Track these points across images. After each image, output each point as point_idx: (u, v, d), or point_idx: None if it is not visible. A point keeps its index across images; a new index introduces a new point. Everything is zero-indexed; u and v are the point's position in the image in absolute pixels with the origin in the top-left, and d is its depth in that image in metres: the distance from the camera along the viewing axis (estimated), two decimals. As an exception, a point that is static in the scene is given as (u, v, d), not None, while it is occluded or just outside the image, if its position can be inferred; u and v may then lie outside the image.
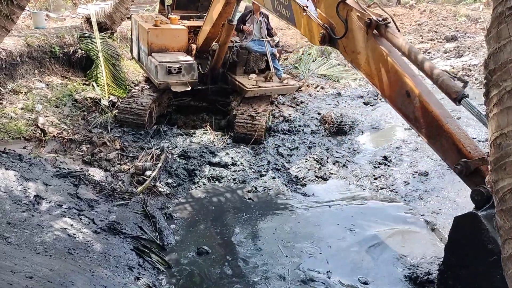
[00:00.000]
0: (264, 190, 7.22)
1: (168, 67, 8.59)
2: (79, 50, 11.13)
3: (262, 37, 9.54)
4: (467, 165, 3.78)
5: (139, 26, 9.55)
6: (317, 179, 7.63)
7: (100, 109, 9.39)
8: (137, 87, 9.69)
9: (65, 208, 5.66)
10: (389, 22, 4.36)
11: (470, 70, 12.87)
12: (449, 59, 14.25)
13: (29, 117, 8.09)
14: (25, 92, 8.89)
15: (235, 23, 8.51)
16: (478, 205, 3.64)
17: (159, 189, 6.88)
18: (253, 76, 9.58)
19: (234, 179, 7.46)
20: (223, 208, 6.71)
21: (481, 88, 11.20)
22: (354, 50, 4.76)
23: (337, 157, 8.35)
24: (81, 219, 5.56)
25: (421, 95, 4.09)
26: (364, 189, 7.35)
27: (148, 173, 7.13)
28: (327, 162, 8.16)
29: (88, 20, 12.22)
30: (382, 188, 7.36)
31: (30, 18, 12.70)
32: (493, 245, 3.23)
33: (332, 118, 9.72)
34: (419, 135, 4.32)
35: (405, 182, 7.52)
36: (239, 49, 9.60)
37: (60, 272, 4.18)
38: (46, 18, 13.18)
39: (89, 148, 7.69)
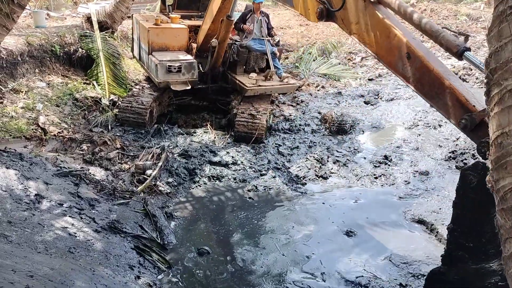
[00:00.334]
0: (265, 189, 7.22)
1: (168, 66, 8.59)
2: (80, 49, 11.13)
3: (262, 36, 9.53)
4: (472, 118, 3.70)
5: (140, 25, 9.56)
6: (317, 178, 7.63)
7: (100, 108, 9.39)
8: (137, 86, 9.69)
9: (66, 207, 5.67)
10: None
11: (471, 69, 12.85)
12: (450, 58, 14.20)
13: (30, 116, 8.09)
14: (25, 91, 8.89)
15: (233, 19, 8.50)
16: (485, 158, 3.56)
17: (160, 188, 6.89)
18: (253, 75, 9.57)
19: (234, 178, 7.46)
20: (223, 207, 6.72)
21: (482, 87, 11.19)
22: (352, 20, 4.77)
23: (338, 156, 8.34)
24: (81, 218, 5.56)
25: (421, 56, 4.07)
26: (364, 188, 7.35)
27: (148, 172, 7.13)
28: (328, 161, 8.16)
29: (88, 19, 12.21)
30: (382, 188, 7.35)
31: (30, 17, 12.70)
32: None
33: (332, 117, 9.72)
34: (422, 97, 4.24)
35: (406, 181, 7.51)
36: (240, 48, 9.59)
37: (60, 271, 4.18)
38: (46, 17, 13.16)
39: (89, 147, 7.69)
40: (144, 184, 6.83)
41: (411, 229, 6.26)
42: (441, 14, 20.48)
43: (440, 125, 9.58)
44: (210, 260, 5.48)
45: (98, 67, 10.67)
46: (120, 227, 5.66)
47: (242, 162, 7.90)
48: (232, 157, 7.99)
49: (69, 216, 5.47)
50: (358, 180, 7.58)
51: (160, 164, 7.35)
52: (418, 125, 9.79)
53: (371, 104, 11.31)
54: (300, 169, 7.84)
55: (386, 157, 8.26)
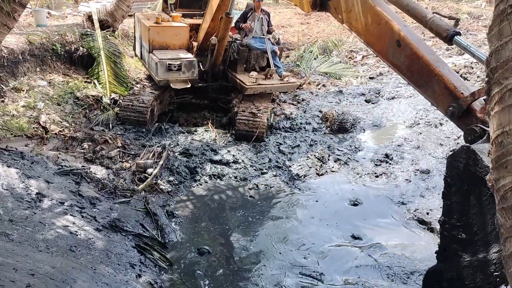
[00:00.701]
0: (266, 187, 7.23)
1: (168, 64, 8.59)
2: (81, 48, 11.12)
3: (263, 35, 9.52)
4: (459, 104, 3.70)
5: (141, 24, 9.58)
6: (318, 176, 7.63)
7: (101, 107, 9.39)
8: (138, 85, 9.70)
9: (67, 206, 5.68)
10: None
11: (472, 68, 12.84)
12: (451, 56, 14.22)
13: (31, 115, 8.10)
14: (27, 90, 8.90)
15: (232, 16, 8.50)
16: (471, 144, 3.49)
17: (161, 186, 6.89)
18: (253, 73, 9.57)
19: (235, 177, 7.47)
20: (224, 206, 6.72)
21: (483, 86, 11.18)
22: (345, 9, 4.81)
23: (339, 155, 8.34)
24: (82, 216, 5.57)
25: (411, 43, 4.06)
26: (365, 187, 7.35)
27: (149, 170, 7.14)
28: (329, 159, 8.16)
29: (89, 18, 12.21)
30: (383, 186, 7.35)
31: (31, 16, 12.71)
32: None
33: (333, 115, 9.71)
34: (412, 85, 4.24)
35: (407, 180, 7.51)
36: (240, 47, 9.59)
37: (62, 270, 4.19)
38: (47, 16, 13.18)
39: (90, 146, 7.70)
40: (145, 183, 6.84)
41: (411, 228, 6.26)
42: (442, 12, 20.43)
43: (441, 124, 9.57)
44: (211, 258, 5.49)
45: (99, 65, 10.67)
46: (121, 225, 5.67)
47: (243, 161, 7.90)
48: (233, 155, 7.99)
49: (70, 215, 5.48)
50: (359, 179, 7.58)
51: (161, 162, 7.36)
52: (419, 124, 9.78)
53: (372, 103, 11.30)
54: (301, 168, 7.84)
55: (387, 155, 8.26)
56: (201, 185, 7.23)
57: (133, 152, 7.82)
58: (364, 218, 6.47)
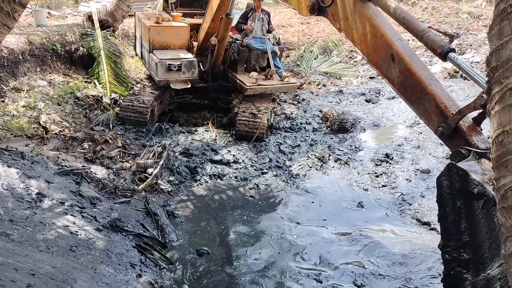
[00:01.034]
0: (266, 187, 7.23)
1: (168, 64, 8.58)
2: (81, 48, 11.12)
3: (263, 35, 9.51)
4: (448, 124, 3.69)
5: (142, 23, 9.57)
6: (319, 176, 7.63)
7: (102, 107, 9.39)
8: (139, 85, 9.70)
9: (67, 206, 5.68)
10: None
11: (473, 67, 12.82)
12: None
13: (31, 115, 8.10)
14: (27, 90, 8.90)
15: (232, 16, 8.50)
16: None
17: (161, 186, 6.89)
18: (254, 74, 9.57)
19: (235, 177, 7.47)
20: (224, 206, 6.72)
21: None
22: (342, 17, 4.80)
23: (339, 155, 8.34)
24: (83, 216, 5.57)
25: (405, 58, 4.03)
26: (365, 187, 7.35)
27: (150, 170, 7.14)
28: (329, 159, 8.16)
29: (89, 18, 12.21)
30: (383, 186, 7.35)
31: (31, 16, 12.70)
32: (479, 187, 3.03)
33: (333, 115, 9.71)
34: (404, 101, 4.20)
35: (407, 179, 7.51)
36: (240, 47, 9.59)
37: (62, 269, 4.20)
38: (47, 16, 13.17)
39: (91, 146, 7.70)
40: (145, 183, 6.84)
41: (411, 228, 6.26)
42: (443, 12, 20.43)
43: (441, 123, 9.56)
44: (211, 258, 5.49)
45: (99, 65, 10.66)
46: (122, 225, 5.67)
47: (243, 161, 7.90)
48: (233, 155, 7.99)
49: (71, 215, 5.48)
50: (359, 179, 7.57)
51: (161, 162, 7.36)
52: (419, 123, 9.77)
53: (372, 102, 11.30)
54: (302, 168, 7.84)
55: (387, 155, 8.26)
56: (201, 185, 7.23)
57: (133, 152, 7.82)
58: (364, 218, 6.47)
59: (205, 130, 9.06)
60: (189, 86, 8.88)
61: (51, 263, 4.28)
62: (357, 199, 6.97)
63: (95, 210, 5.86)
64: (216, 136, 8.81)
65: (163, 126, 8.91)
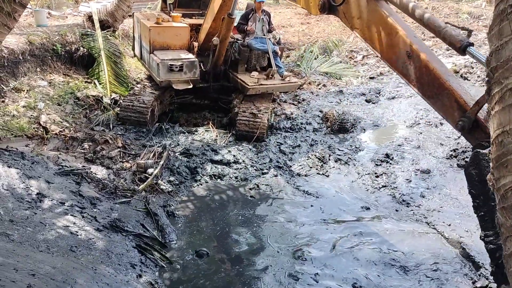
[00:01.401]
0: (266, 187, 7.22)
1: (170, 65, 8.57)
2: (81, 48, 11.13)
3: (264, 35, 9.53)
4: (468, 118, 3.69)
5: (141, 24, 9.55)
6: (319, 176, 7.63)
7: (102, 107, 9.39)
8: (139, 85, 9.70)
9: (68, 206, 5.68)
10: None
11: (472, 68, 12.82)
12: (451, 56, 14.21)
13: (31, 115, 8.10)
14: (27, 90, 8.90)
15: (234, 17, 8.50)
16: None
17: (161, 186, 6.89)
18: (255, 74, 9.58)
19: (236, 177, 7.47)
20: (225, 206, 6.72)
21: (483, 86, 11.17)
22: (354, 15, 4.77)
23: (339, 155, 8.34)
24: (83, 216, 5.57)
25: (422, 55, 4.06)
26: (366, 187, 7.35)
27: (150, 171, 7.14)
28: (329, 159, 8.16)
29: (90, 18, 12.21)
30: (384, 186, 7.35)
31: (32, 16, 12.70)
32: None
33: (334, 115, 9.71)
34: (421, 96, 4.25)
35: (407, 179, 7.51)
36: (241, 47, 9.59)
37: (62, 270, 4.20)
38: (48, 16, 13.17)
39: (91, 146, 7.70)
40: (145, 183, 6.84)
41: (412, 228, 6.25)
42: (443, 12, 20.44)
43: (441, 123, 9.57)
44: (211, 259, 5.48)
45: (100, 66, 10.67)
46: (122, 225, 5.67)
47: (243, 161, 7.90)
48: (234, 155, 7.99)
49: (71, 215, 5.48)
50: (359, 179, 7.58)
51: (161, 162, 7.36)
52: (419, 124, 9.78)
53: (373, 103, 11.31)
54: (302, 168, 7.84)
55: (387, 155, 8.26)
56: (201, 185, 7.23)
57: (133, 152, 7.82)
58: (364, 219, 6.47)
59: (206, 130, 9.06)
60: (191, 86, 8.87)
61: (51, 264, 4.28)
62: (357, 199, 6.98)
63: (95, 210, 5.86)
64: (217, 136, 8.81)
65: (163, 126, 8.92)
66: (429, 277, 5.23)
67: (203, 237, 5.96)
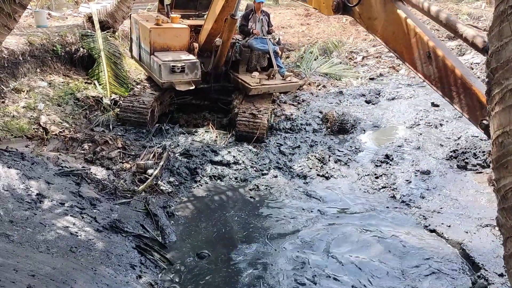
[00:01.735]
0: (266, 188, 7.22)
1: (172, 66, 8.56)
2: (81, 49, 11.13)
3: (263, 35, 9.55)
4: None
5: (140, 26, 9.51)
6: (319, 177, 7.63)
7: (102, 108, 9.40)
8: (139, 86, 9.69)
9: (67, 207, 5.68)
10: None
11: (472, 69, 12.84)
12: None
13: (31, 116, 8.10)
14: (27, 91, 8.90)
15: (237, 18, 8.50)
16: None
17: (161, 187, 6.89)
18: (255, 74, 9.60)
19: (236, 178, 7.47)
20: (224, 207, 6.72)
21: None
22: (370, 16, 4.74)
23: (339, 156, 8.34)
24: (83, 217, 5.57)
25: (442, 55, 4.09)
26: (366, 188, 7.34)
27: (150, 171, 7.14)
28: (329, 160, 8.15)
29: (90, 19, 12.22)
30: (383, 187, 7.35)
31: (32, 17, 12.71)
32: None
33: (334, 116, 9.71)
34: (442, 96, 4.24)
35: (407, 180, 7.50)
36: (242, 47, 9.60)
37: (62, 270, 4.20)
38: (48, 17, 13.18)
39: (91, 147, 7.70)
40: (145, 184, 6.84)
41: (412, 229, 6.25)
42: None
43: (441, 124, 9.58)
44: (211, 260, 5.48)
45: (99, 66, 10.67)
46: (122, 226, 5.66)
47: (243, 162, 7.90)
48: (234, 156, 7.99)
49: (71, 216, 5.48)
50: (359, 180, 7.57)
51: (161, 163, 7.36)
52: (419, 124, 9.79)
53: (372, 103, 11.31)
54: (302, 169, 7.84)
55: (387, 156, 8.26)
56: (201, 186, 7.23)
57: (133, 153, 7.82)
58: (364, 219, 6.46)
59: (205, 131, 9.06)
60: (193, 87, 8.87)
61: (51, 264, 4.27)
62: (357, 200, 6.97)
63: (95, 211, 5.85)
64: (216, 137, 8.81)
65: (163, 127, 8.92)
66: (428, 278, 5.23)
67: (203, 238, 5.96)
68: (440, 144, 8.75)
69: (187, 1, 10.59)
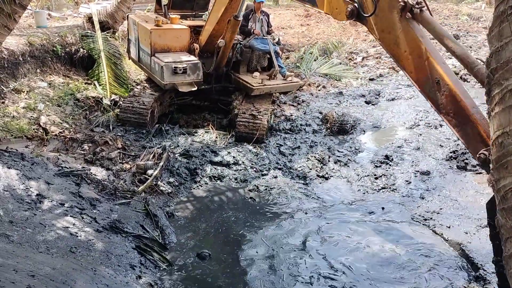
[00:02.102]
0: (266, 189, 7.22)
1: (174, 67, 8.52)
2: (81, 49, 11.13)
3: (263, 36, 9.56)
4: (490, 153, 3.87)
5: (140, 27, 9.43)
6: (318, 178, 7.62)
7: (102, 108, 9.39)
8: (139, 86, 9.68)
9: (67, 207, 5.68)
10: (423, 6, 4.35)
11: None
12: (451, 58, 14.20)
13: (31, 116, 8.10)
14: (27, 91, 8.90)
15: (240, 19, 8.50)
16: None
17: (161, 188, 6.89)
18: (256, 74, 9.60)
19: (235, 178, 7.46)
20: (224, 207, 6.72)
21: (481, 88, 11.19)
22: (383, 29, 4.75)
23: (339, 156, 8.34)
24: (83, 217, 5.57)
25: (450, 85, 4.17)
26: (365, 188, 7.34)
27: (150, 172, 7.14)
28: (329, 161, 8.15)
29: (90, 19, 12.22)
30: (383, 188, 7.35)
31: (32, 17, 12.72)
32: None
33: (333, 117, 9.71)
34: (445, 122, 4.43)
35: (407, 181, 7.50)
36: (243, 48, 9.61)
37: (62, 271, 4.19)
38: (48, 17, 13.19)
39: (91, 147, 7.70)
40: (145, 184, 6.84)
41: (412, 229, 6.25)
42: (442, 14, 20.48)
43: (441, 125, 9.58)
44: (211, 260, 5.48)
45: (99, 67, 10.67)
46: (121, 226, 5.66)
47: (243, 162, 7.90)
48: (233, 157, 7.99)
49: (70, 216, 5.48)
50: (359, 180, 7.57)
51: (161, 164, 7.36)
52: (419, 125, 9.79)
53: (372, 104, 11.31)
54: (302, 169, 7.84)
55: (387, 157, 8.25)
56: (201, 186, 7.23)
57: (133, 154, 7.82)
58: (363, 220, 6.46)
59: (205, 132, 9.05)
60: (196, 88, 8.85)
61: (51, 264, 4.27)
62: (357, 200, 6.97)
63: (95, 211, 5.85)
64: (216, 137, 8.81)
65: (163, 128, 8.91)
66: (428, 278, 5.22)
67: (202, 238, 5.96)
68: (440, 145, 8.75)
69: (183, 2, 10.53)
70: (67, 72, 10.73)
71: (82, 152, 7.56)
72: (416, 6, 4.35)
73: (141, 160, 7.52)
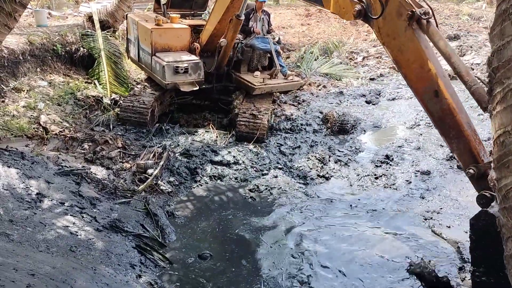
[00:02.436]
0: (266, 188, 7.21)
1: (175, 67, 8.49)
2: (81, 48, 11.12)
3: (264, 35, 9.55)
4: (479, 169, 4.14)
5: (140, 26, 9.39)
6: (319, 178, 7.62)
7: (102, 107, 9.39)
8: (139, 86, 9.67)
9: (67, 206, 5.67)
10: (430, 17, 4.38)
11: (473, 69, 12.82)
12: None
13: (31, 115, 8.10)
14: (27, 90, 8.89)
15: (242, 18, 8.48)
16: (483, 208, 4.06)
17: (161, 187, 6.89)
18: (257, 73, 9.60)
19: (236, 178, 7.46)
20: (224, 207, 6.71)
21: (483, 87, 11.17)
22: (389, 34, 4.78)
23: (339, 156, 8.33)
24: (83, 217, 5.56)
25: (449, 99, 4.30)
26: (365, 188, 7.34)
27: (150, 171, 7.14)
28: (329, 161, 8.14)
29: (90, 18, 12.21)
30: (383, 187, 7.34)
31: (32, 16, 12.72)
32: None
33: (334, 116, 9.70)
34: (438, 132, 4.57)
35: (407, 181, 7.50)
36: (244, 47, 9.60)
37: (62, 270, 4.19)
38: (48, 16, 13.19)
39: (91, 146, 7.69)
40: (145, 183, 6.84)
41: (411, 229, 6.24)
42: (443, 13, 20.44)
43: (441, 125, 9.56)
44: (211, 259, 5.47)
45: (100, 66, 10.66)
46: (122, 226, 5.66)
47: (243, 162, 7.89)
48: (234, 156, 7.98)
49: (71, 215, 5.47)
50: (359, 180, 7.56)
51: (161, 163, 7.35)
52: (419, 125, 9.78)
53: (373, 104, 11.30)
54: (302, 169, 7.83)
55: (387, 156, 8.25)
56: (201, 185, 7.22)
57: (133, 153, 7.82)
58: (363, 220, 6.45)
59: (206, 131, 9.04)
60: (197, 88, 8.83)
61: (51, 264, 4.27)
62: (357, 200, 6.96)
63: (95, 210, 5.85)
64: (217, 137, 8.80)
65: (163, 127, 8.91)
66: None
67: (202, 237, 5.95)
68: (440, 145, 8.73)
69: (182, 1, 10.50)
70: (67, 71, 10.73)
71: (82, 151, 7.55)
72: (424, 17, 4.38)
73: (141, 159, 7.51)
